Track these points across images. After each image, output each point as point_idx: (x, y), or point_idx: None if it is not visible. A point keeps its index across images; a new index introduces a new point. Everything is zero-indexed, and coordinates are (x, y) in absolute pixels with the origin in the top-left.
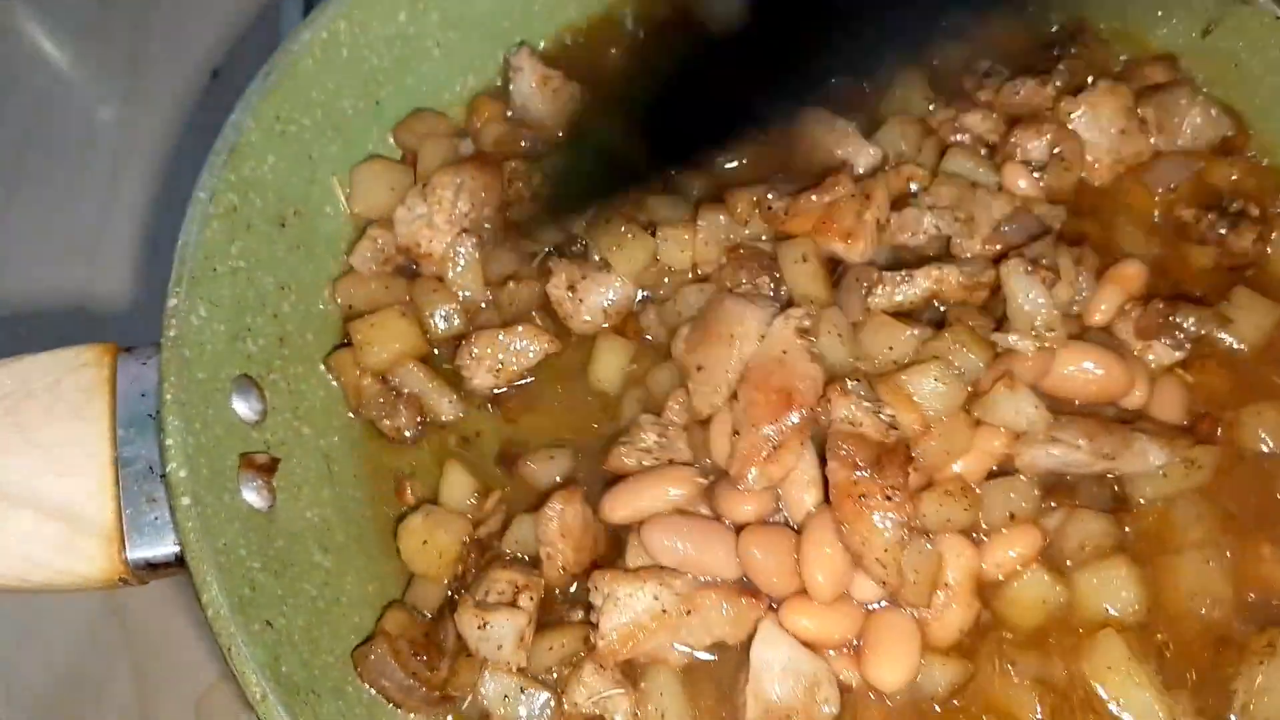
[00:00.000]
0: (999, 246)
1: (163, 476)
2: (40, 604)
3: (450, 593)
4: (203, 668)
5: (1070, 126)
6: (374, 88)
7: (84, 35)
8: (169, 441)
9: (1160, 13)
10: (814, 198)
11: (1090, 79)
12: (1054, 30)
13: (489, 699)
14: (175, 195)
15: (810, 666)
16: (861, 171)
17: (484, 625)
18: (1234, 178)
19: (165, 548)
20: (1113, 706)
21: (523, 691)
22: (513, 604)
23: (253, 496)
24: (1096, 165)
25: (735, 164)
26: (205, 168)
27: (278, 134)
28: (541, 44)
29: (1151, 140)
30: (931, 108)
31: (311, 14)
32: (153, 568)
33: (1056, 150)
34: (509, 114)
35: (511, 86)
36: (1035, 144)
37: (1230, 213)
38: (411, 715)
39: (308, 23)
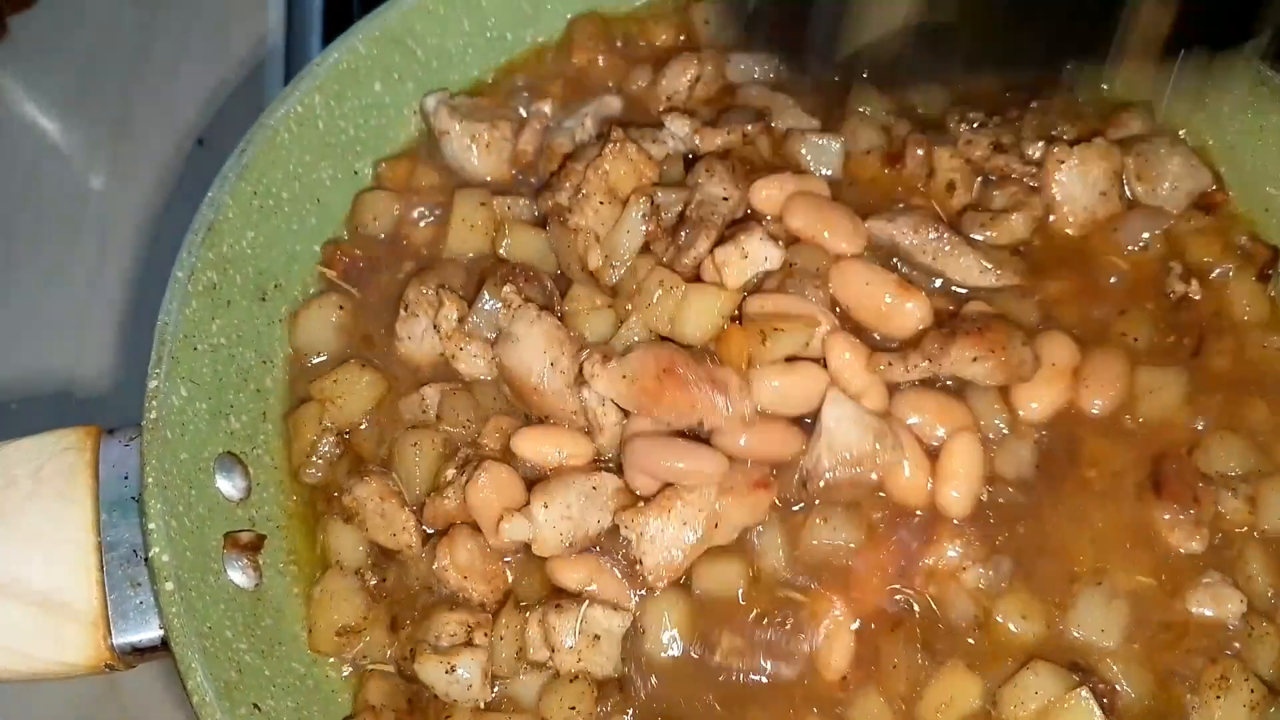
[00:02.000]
0: None
1: (146, 560)
2: (36, 686)
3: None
4: None
5: (1056, 176)
6: (351, 158)
7: (70, 104)
8: (151, 526)
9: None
10: None
11: (1060, 126)
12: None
13: None
14: (160, 269)
15: (875, 420)
16: None
17: (451, 669)
18: (1201, 237)
19: (151, 631)
20: None
21: None
22: (468, 643)
23: (238, 576)
24: (1070, 219)
25: None
26: (183, 246)
27: (256, 209)
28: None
29: (1131, 192)
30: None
31: (285, 89)
32: (139, 652)
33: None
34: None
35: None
36: (1016, 218)
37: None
38: None
39: (282, 97)
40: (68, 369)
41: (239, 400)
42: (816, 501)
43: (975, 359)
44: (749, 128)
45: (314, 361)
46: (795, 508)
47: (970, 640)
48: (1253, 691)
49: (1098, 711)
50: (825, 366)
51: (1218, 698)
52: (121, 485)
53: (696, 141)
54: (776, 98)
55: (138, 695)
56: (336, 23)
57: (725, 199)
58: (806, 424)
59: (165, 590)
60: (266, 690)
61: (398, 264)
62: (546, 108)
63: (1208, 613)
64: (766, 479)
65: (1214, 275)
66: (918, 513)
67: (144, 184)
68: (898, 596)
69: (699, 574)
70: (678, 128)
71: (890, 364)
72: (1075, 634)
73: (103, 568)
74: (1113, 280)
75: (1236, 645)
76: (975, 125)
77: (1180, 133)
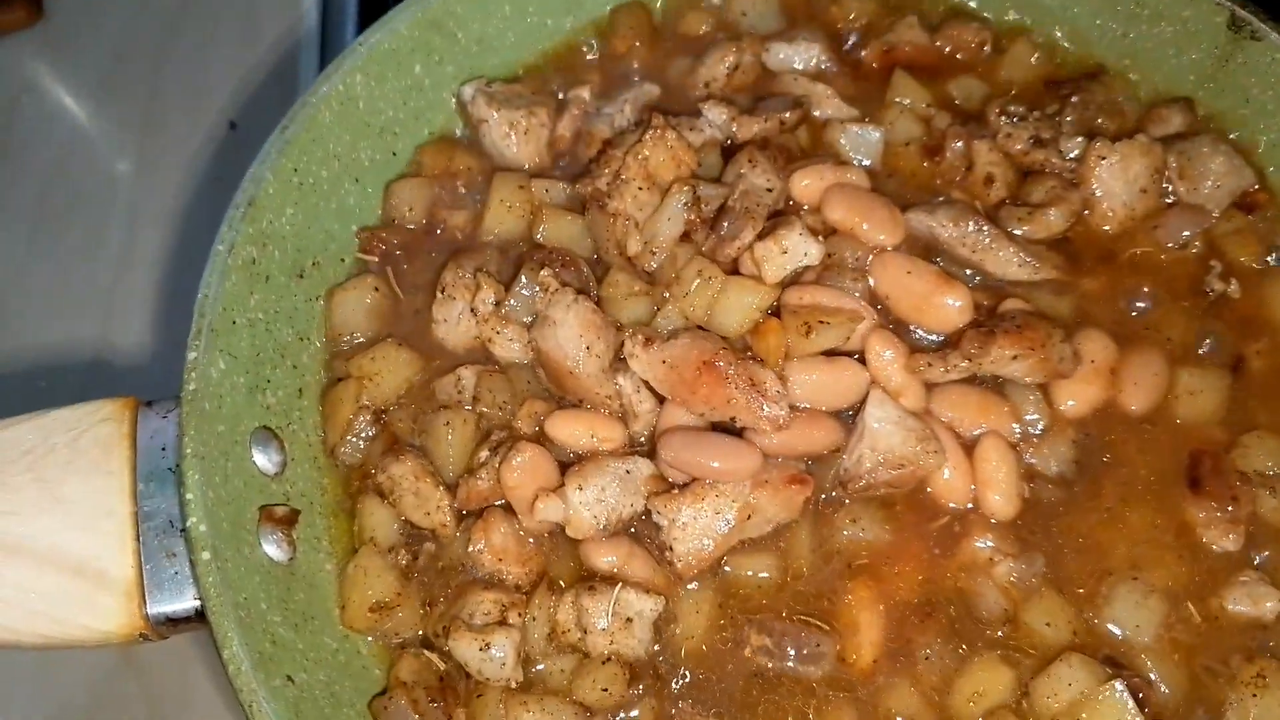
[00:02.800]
0: None
1: (183, 531)
2: (56, 658)
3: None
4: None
5: (1095, 171)
6: (390, 139)
7: (101, 90)
8: (189, 496)
9: (1172, 50)
10: None
11: (1100, 120)
12: (1069, 65)
13: None
14: (193, 248)
15: (917, 423)
16: None
17: (486, 646)
18: (1242, 237)
19: (185, 602)
20: None
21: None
22: (503, 622)
23: (273, 549)
24: (1110, 215)
25: None
26: (224, 221)
27: (295, 186)
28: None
29: (1172, 187)
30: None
31: (328, 68)
32: (173, 623)
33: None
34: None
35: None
36: (1054, 213)
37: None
38: None
39: (324, 76)
40: (99, 343)
41: (276, 376)
42: (847, 501)
43: (1015, 357)
44: (786, 115)
45: (349, 342)
46: (826, 496)
47: (1001, 633)
48: None
49: (1131, 704)
50: (863, 362)
51: (1254, 695)
52: (159, 457)
53: (734, 129)
54: (815, 87)
55: (153, 675)
56: (373, 6)
57: (769, 190)
58: (842, 418)
59: (202, 560)
60: (300, 664)
61: (434, 249)
62: (585, 94)
63: (1244, 610)
64: (802, 475)
65: (1254, 277)
66: (952, 507)
67: (175, 167)
68: (929, 590)
69: (732, 565)
70: (715, 115)
71: (930, 364)
72: (1110, 629)
73: (139, 538)
74: (1151, 278)
75: (1273, 644)
76: (1015, 119)
77: (1231, 135)
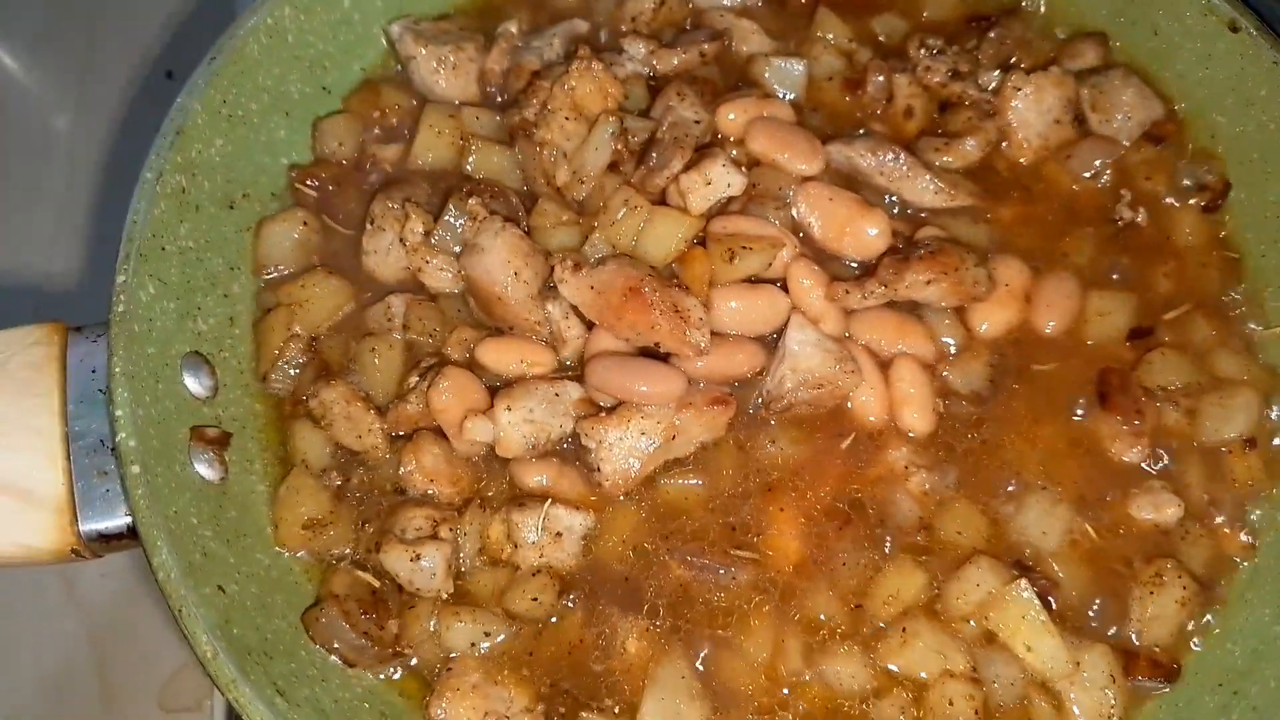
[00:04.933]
0: None
1: (113, 448)
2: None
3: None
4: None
5: (1011, 103)
6: (320, 73)
7: (37, 42)
8: (118, 413)
9: None
10: None
11: (1016, 55)
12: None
13: (455, 643)
14: (129, 191)
15: (836, 345)
16: None
17: (416, 558)
18: (1151, 167)
19: (117, 519)
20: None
21: (485, 631)
22: (434, 536)
23: (204, 469)
24: (1025, 145)
25: None
26: (152, 149)
27: (224, 118)
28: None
29: (1084, 119)
30: (850, 44)
31: (256, 1)
32: (105, 539)
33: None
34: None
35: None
36: (970, 142)
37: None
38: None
39: (253, 9)
40: (39, 278)
41: (206, 304)
42: (772, 421)
43: (929, 282)
44: (705, 47)
45: (276, 273)
46: (750, 416)
47: (918, 539)
48: (1185, 588)
49: (1036, 603)
50: (785, 289)
51: (1151, 593)
52: (89, 378)
53: (654, 62)
54: (740, 22)
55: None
56: None
57: (697, 122)
58: (764, 342)
59: (131, 473)
60: (231, 576)
61: (365, 183)
62: (514, 28)
63: (1148, 517)
64: (725, 396)
65: (1163, 205)
66: (871, 421)
67: (112, 118)
68: (848, 500)
69: (660, 481)
70: (635, 49)
71: (848, 291)
72: (1019, 536)
73: (69, 456)
74: (1063, 205)
75: (1172, 547)
76: (934, 52)
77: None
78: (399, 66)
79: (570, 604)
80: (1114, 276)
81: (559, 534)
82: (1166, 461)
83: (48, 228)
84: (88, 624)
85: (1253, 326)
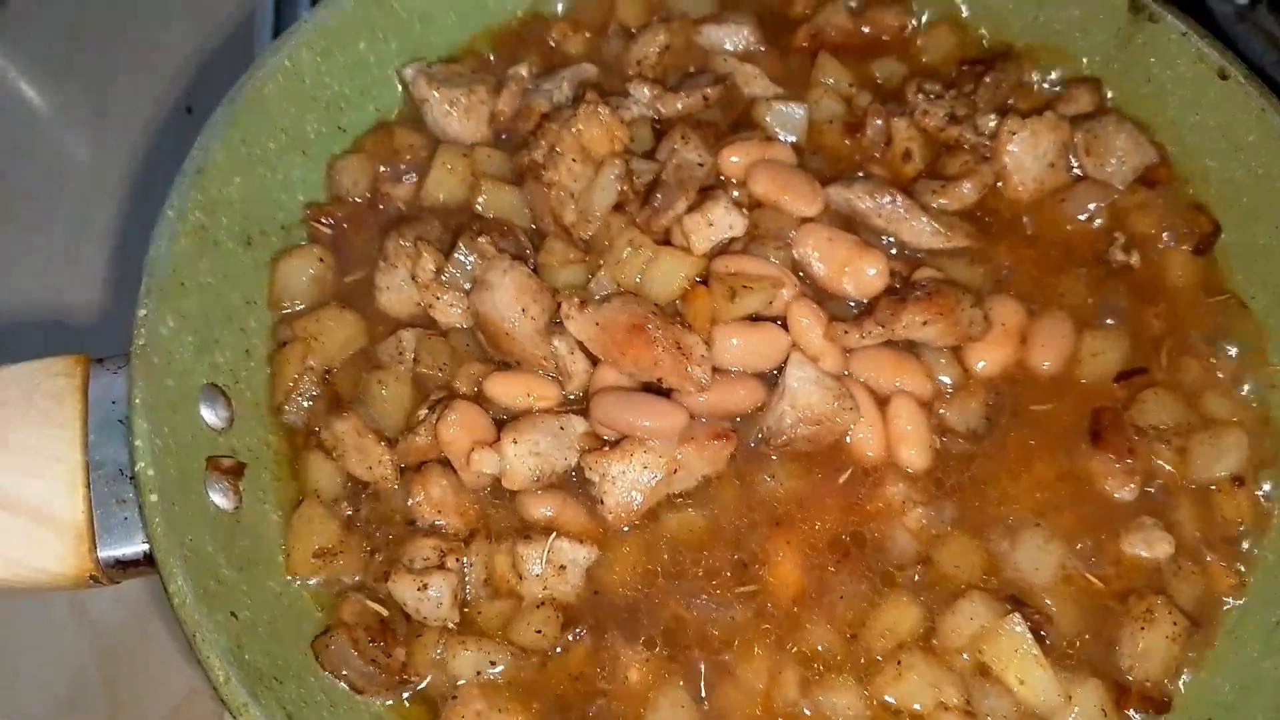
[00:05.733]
0: None
1: (131, 477)
2: (11, 622)
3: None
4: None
5: (1007, 146)
6: (337, 114)
7: (59, 75)
8: (137, 442)
9: (1079, 32)
10: None
11: (1012, 99)
12: (983, 46)
13: (460, 671)
14: (149, 225)
15: (835, 383)
16: None
17: (423, 587)
18: (1144, 211)
19: (134, 546)
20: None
21: (491, 660)
22: (441, 566)
23: (219, 498)
24: (1020, 188)
25: None
26: (173, 188)
27: (243, 157)
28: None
29: (1079, 165)
30: (850, 88)
31: (275, 42)
32: (122, 566)
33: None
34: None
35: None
36: (967, 185)
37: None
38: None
39: (272, 49)
40: (58, 309)
41: (224, 337)
42: (774, 457)
43: (925, 322)
44: (708, 91)
45: (291, 309)
46: (750, 451)
47: (915, 573)
48: (1175, 624)
49: (1029, 636)
50: (785, 328)
51: (1143, 629)
52: (109, 408)
53: (659, 106)
54: (744, 67)
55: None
56: None
57: (700, 165)
58: (765, 378)
59: (150, 501)
60: (243, 603)
61: (379, 220)
62: (524, 70)
63: (1141, 553)
64: (726, 431)
65: (1156, 247)
66: (870, 457)
67: (131, 150)
68: (846, 535)
69: (662, 514)
70: (640, 93)
71: (847, 330)
72: (1013, 571)
73: (89, 484)
74: (1057, 247)
75: (1163, 583)
76: (932, 97)
77: (1135, 114)
78: (415, 113)
79: (574, 637)
80: (1107, 318)
81: (563, 566)
82: (1158, 499)
83: (68, 259)
84: (98, 647)
85: (1242, 365)
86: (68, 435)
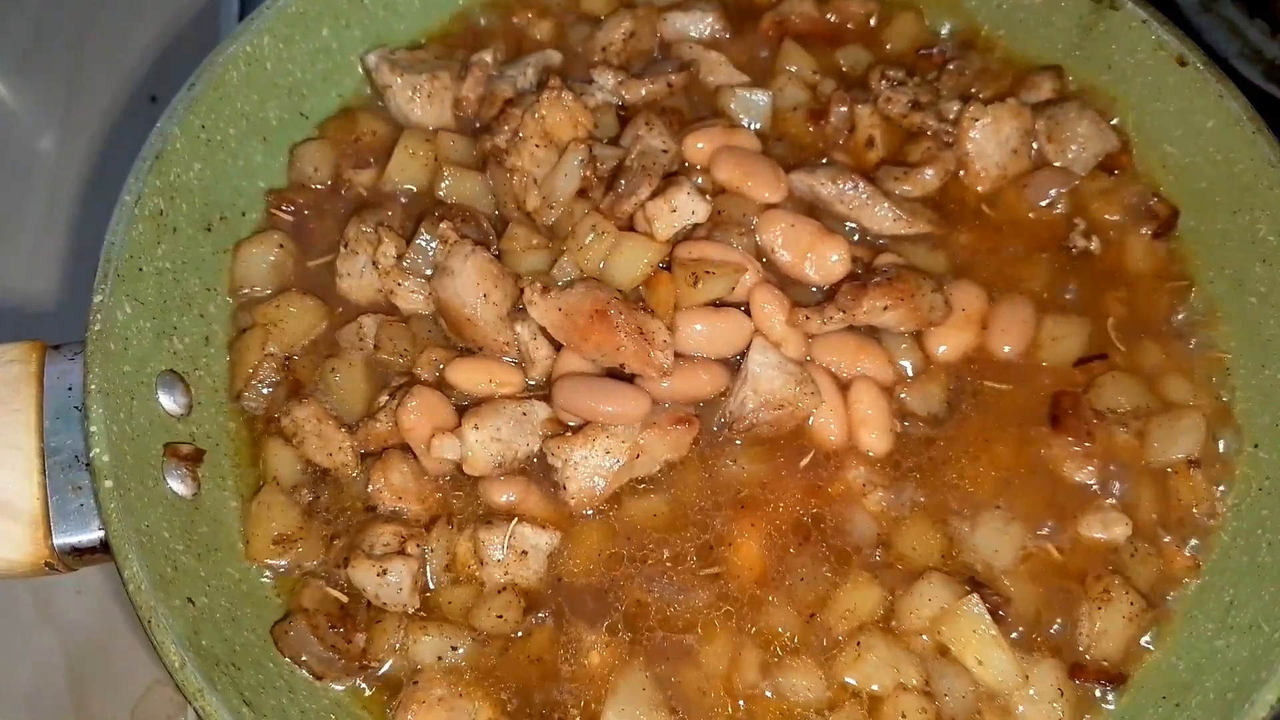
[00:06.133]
0: None
1: (87, 464)
2: None
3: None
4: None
5: (969, 133)
6: (299, 100)
7: (23, 64)
8: (93, 428)
9: (1041, 20)
10: None
11: (975, 87)
12: (944, 35)
13: (421, 656)
14: (109, 212)
15: (796, 368)
16: None
17: (383, 573)
18: (1104, 197)
19: (90, 533)
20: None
21: (452, 645)
22: (401, 552)
23: (177, 484)
24: (982, 174)
25: None
26: (131, 173)
27: (203, 143)
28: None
29: (1040, 150)
30: (814, 75)
31: (236, 28)
32: (78, 553)
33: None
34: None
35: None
36: (929, 171)
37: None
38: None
39: (233, 36)
40: (18, 297)
41: (183, 323)
42: (738, 441)
43: (886, 308)
44: (673, 78)
45: (251, 295)
46: (713, 436)
47: (875, 557)
48: (1132, 604)
49: (987, 617)
50: (748, 313)
51: (1100, 609)
52: (65, 395)
53: (623, 92)
54: (708, 54)
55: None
56: None
57: (665, 151)
58: (727, 364)
59: (105, 488)
60: (201, 589)
61: (341, 206)
62: (489, 56)
63: (1098, 535)
64: (688, 416)
65: (1114, 233)
66: (832, 441)
67: (97, 139)
68: (805, 517)
69: (626, 499)
70: (604, 79)
71: (808, 316)
72: (973, 553)
73: (45, 471)
74: (1019, 233)
75: (1120, 564)
76: (895, 84)
77: (1095, 101)
78: (378, 100)
79: (537, 620)
80: (1068, 300)
81: (524, 552)
82: (1116, 482)
83: (28, 248)
84: (62, 640)
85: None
86: (23, 421)
